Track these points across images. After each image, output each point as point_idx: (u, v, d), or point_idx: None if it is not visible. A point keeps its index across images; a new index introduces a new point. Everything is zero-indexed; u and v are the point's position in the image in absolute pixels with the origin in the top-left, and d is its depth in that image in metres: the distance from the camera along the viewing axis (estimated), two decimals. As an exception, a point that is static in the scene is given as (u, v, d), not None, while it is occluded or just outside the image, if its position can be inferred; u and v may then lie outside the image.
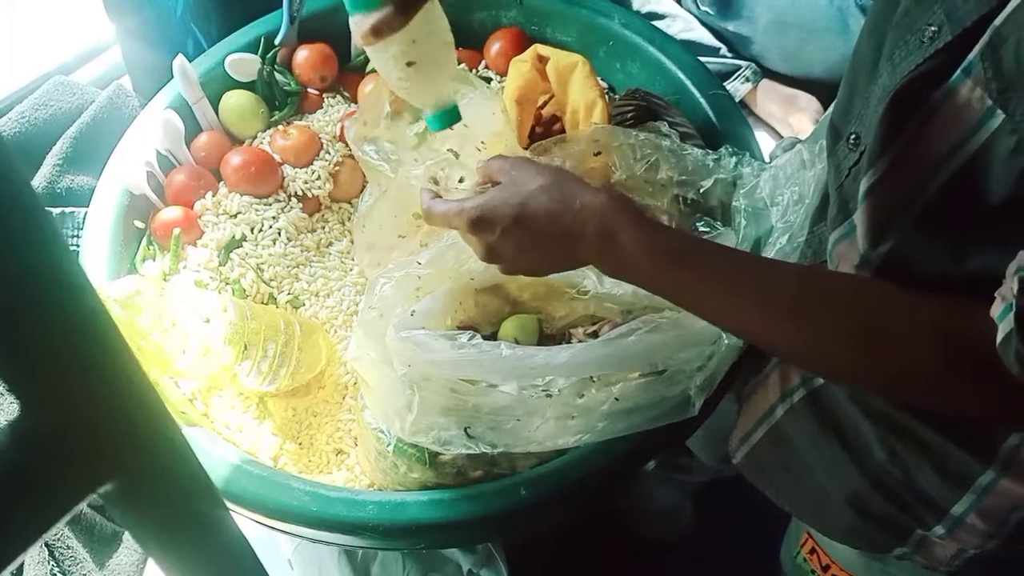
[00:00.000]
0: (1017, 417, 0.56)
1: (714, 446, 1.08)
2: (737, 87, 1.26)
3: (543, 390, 0.73)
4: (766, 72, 1.29)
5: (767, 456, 0.80)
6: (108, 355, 0.30)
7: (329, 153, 1.08)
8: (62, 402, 0.29)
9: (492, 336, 0.88)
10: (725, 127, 1.00)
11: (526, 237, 0.69)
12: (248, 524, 0.80)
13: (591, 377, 0.74)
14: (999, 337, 0.50)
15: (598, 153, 0.92)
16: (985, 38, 0.53)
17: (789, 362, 0.76)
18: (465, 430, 0.73)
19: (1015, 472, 0.64)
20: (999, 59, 0.52)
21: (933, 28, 0.57)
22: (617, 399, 0.72)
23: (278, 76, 1.12)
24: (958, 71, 0.55)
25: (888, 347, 0.58)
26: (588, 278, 0.87)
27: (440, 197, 0.75)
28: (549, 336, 0.91)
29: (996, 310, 0.51)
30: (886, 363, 0.58)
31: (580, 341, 0.89)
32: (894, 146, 0.60)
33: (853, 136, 0.66)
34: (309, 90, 1.14)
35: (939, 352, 0.55)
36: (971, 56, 0.54)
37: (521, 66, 1.04)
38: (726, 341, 0.75)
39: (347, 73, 1.17)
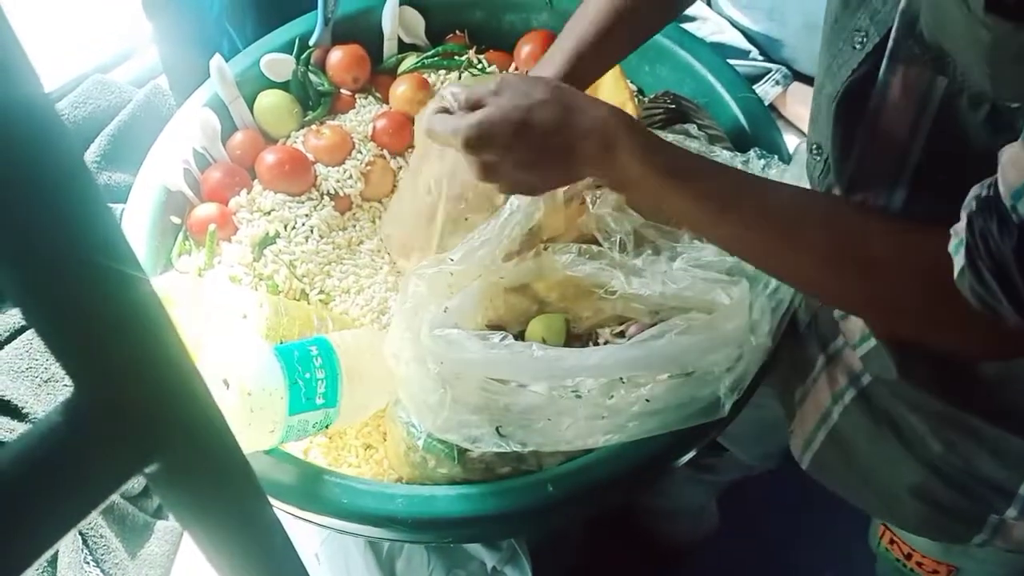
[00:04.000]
0: (1012, 347, 0.56)
1: (755, 443, 1.09)
2: (767, 90, 1.27)
3: (573, 390, 0.74)
4: (796, 75, 1.29)
5: (831, 458, 0.81)
6: (157, 338, 0.31)
7: (361, 153, 1.09)
8: (113, 382, 0.31)
9: (520, 335, 0.89)
10: (754, 130, 1.01)
11: (526, 153, 0.67)
12: (281, 517, 0.82)
13: (620, 378, 0.75)
14: (955, 271, 0.51)
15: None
16: (896, 22, 0.54)
17: (789, 284, 0.75)
18: (496, 428, 0.74)
19: None
20: (919, 33, 0.53)
21: (862, 33, 0.59)
22: (648, 400, 0.73)
23: (312, 77, 1.14)
24: (884, 61, 0.57)
25: (875, 276, 0.59)
26: (616, 278, 0.88)
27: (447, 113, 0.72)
28: (576, 336, 0.92)
29: (951, 244, 0.52)
30: (875, 293, 0.60)
31: (607, 341, 0.90)
32: (854, 150, 0.61)
33: (816, 146, 0.67)
34: (342, 91, 1.15)
35: (922, 285, 0.56)
36: (890, 44, 0.55)
37: (552, 68, 1.05)
38: (755, 342, 0.76)
39: (379, 74, 1.18)
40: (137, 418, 0.32)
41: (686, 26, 1.23)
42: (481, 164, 0.69)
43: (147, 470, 0.33)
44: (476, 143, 0.67)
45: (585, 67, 0.82)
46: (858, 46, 0.59)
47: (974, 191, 0.51)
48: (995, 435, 0.67)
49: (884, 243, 0.58)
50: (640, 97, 1.12)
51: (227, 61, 1.10)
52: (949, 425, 0.70)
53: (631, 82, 1.11)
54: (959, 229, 0.51)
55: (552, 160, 0.68)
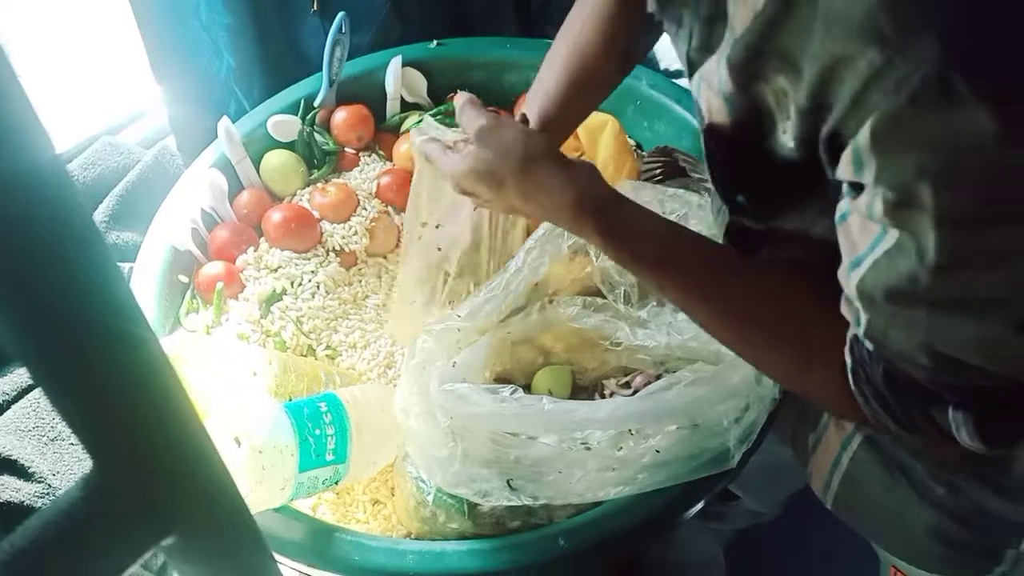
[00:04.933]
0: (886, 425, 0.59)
1: (765, 489, 1.10)
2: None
3: (583, 443, 0.75)
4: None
5: (849, 500, 0.82)
6: (174, 413, 0.31)
7: (366, 209, 1.11)
8: (131, 458, 0.31)
9: (526, 387, 0.90)
10: (752, 183, 1.03)
11: (507, 207, 0.74)
12: (289, 573, 0.82)
13: (629, 430, 0.75)
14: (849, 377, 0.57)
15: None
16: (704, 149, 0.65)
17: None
18: (508, 482, 0.74)
19: None
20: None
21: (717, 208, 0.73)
22: (657, 451, 0.74)
23: (317, 136, 1.16)
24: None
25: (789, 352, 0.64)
26: (621, 330, 0.89)
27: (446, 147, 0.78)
28: (582, 387, 0.93)
29: (846, 354, 0.57)
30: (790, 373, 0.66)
31: (613, 393, 0.90)
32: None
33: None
34: (346, 149, 1.18)
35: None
36: None
37: (553, 126, 1.07)
38: (761, 393, 0.77)
39: (383, 133, 1.21)
40: (155, 493, 0.32)
41: (683, 82, 1.26)
42: (473, 201, 0.79)
43: (164, 543, 0.33)
44: (463, 190, 0.75)
45: (554, 126, 0.86)
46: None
47: (843, 312, 0.56)
48: (993, 474, 0.68)
49: (802, 326, 0.63)
50: (639, 152, 1.14)
51: (234, 122, 1.12)
52: (949, 470, 0.71)
53: (630, 137, 1.13)
54: (846, 350, 0.57)
55: (532, 215, 0.76)
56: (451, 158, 0.75)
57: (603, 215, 0.68)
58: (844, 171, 0.50)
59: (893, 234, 0.49)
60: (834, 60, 0.48)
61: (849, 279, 0.53)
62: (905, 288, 0.48)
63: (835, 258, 0.58)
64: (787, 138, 0.56)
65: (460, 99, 0.78)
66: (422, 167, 0.90)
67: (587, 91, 0.87)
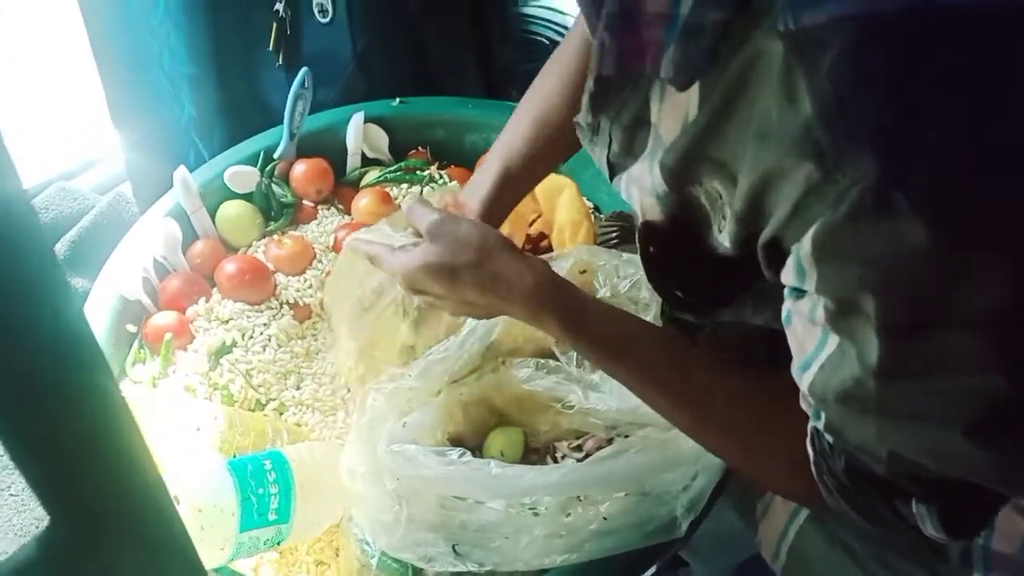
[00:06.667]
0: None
1: (715, 555, 1.09)
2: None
3: (531, 508, 0.74)
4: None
5: (798, 572, 0.82)
6: (135, 467, 0.31)
7: (322, 262, 1.11)
8: (89, 516, 0.30)
9: (479, 447, 0.89)
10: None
11: (461, 302, 0.73)
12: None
13: (578, 496, 0.75)
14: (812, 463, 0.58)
15: (583, 271, 0.95)
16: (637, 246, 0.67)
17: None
18: (453, 547, 0.73)
19: (998, 567, 0.66)
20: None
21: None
22: (605, 518, 0.73)
23: (275, 188, 1.16)
24: None
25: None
26: (573, 392, 0.89)
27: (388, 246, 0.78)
28: (534, 449, 0.92)
29: (809, 452, 0.58)
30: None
31: (565, 456, 0.90)
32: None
33: None
34: (304, 202, 1.18)
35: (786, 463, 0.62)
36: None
37: (511, 187, 1.08)
38: (710, 461, 0.77)
39: (342, 187, 1.21)
40: (112, 548, 0.31)
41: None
42: (423, 300, 0.75)
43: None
44: (414, 288, 0.74)
45: (515, 181, 0.87)
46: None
47: (802, 406, 0.56)
48: (932, 560, 0.69)
49: (758, 418, 0.64)
50: (596, 215, 1.16)
51: (192, 171, 1.12)
52: (889, 548, 0.72)
53: (588, 200, 1.15)
54: (808, 443, 0.57)
55: (487, 310, 0.74)
56: (400, 256, 0.74)
57: (561, 301, 0.69)
58: (787, 277, 0.51)
59: (834, 339, 0.49)
60: (769, 172, 0.48)
61: (801, 380, 0.54)
62: (852, 392, 0.49)
63: (774, 341, 0.58)
64: (723, 237, 0.57)
65: (407, 202, 0.77)
66: (341, 267, 0.88)
67: (551, 148, 0.88)
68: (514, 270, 0.70)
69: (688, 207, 0.59)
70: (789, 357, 0.57)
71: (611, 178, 0.69)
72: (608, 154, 0.67)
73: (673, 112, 0.57)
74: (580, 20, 0.86)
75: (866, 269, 0.45)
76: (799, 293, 0.51)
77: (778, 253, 0.51)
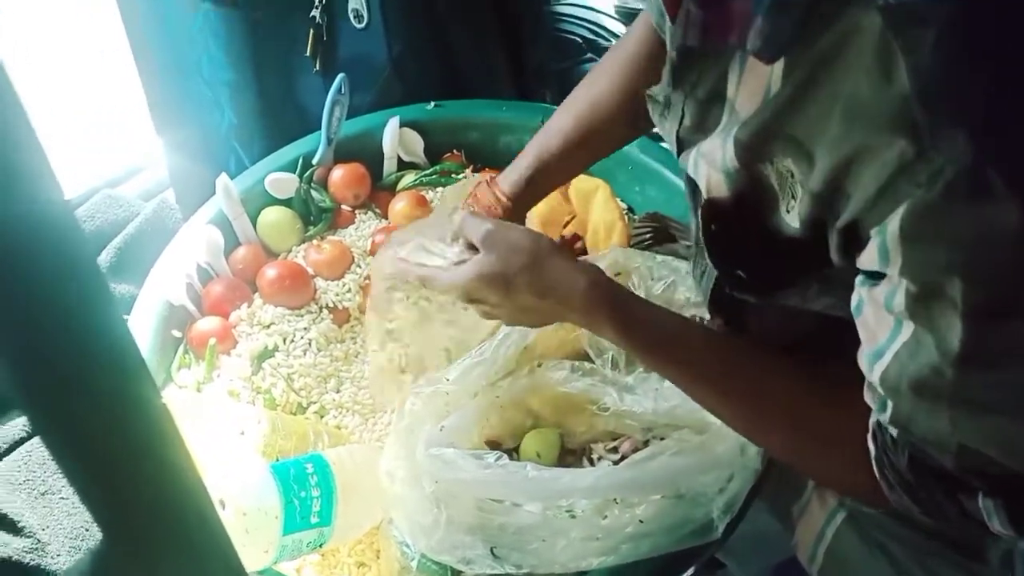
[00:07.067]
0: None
1: (751, 557, 1.09)
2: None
3: (567, 510, 0.75)
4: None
5: (835, 574, 0.81)
6: (179, 479, 0.32)
7: (360, 267, 1.13)
8: (136, 526, 0.31)
9: (515, 449, 0.90)
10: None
11: (516, 308, 0.74)
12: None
13: (614, 499, 0.75)
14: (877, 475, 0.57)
15: (619, 274, 0.96)
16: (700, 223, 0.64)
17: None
18: (491, 550, 0.74)
19: None
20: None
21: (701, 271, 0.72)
22: (641, 521, 0.74)
23: (314, 194, 1.18)
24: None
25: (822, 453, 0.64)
26: (608, 395, 0.89)
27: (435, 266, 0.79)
28: (570, 451, 0.93)
29: (870, 448, 0.57)
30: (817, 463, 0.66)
31: (601, 457, 0.91)
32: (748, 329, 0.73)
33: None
34: (343, 207, 1.20)
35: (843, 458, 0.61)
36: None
37: (546, 190, 1.09)
38: (745, 463, 0.77)
39: (379, 191, 1.23)
40: (159, 559, 0.32)
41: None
42: (481, 311, 0.77)
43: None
44: (471, 299, 0.75)
45: (546, 176, 0.89)
46: (704, 280, 0.70)
47: (866, 399, 0.55)
48: (969, 561, 0.68)
49: (818, 415, 0.64)
50: (630, 215, 1.16)
51: (233, 178, 1.14)
52: (927, 553, 0.71)
53: (621, 201, 1.15)
54: (869, 438, 0.57)
55: (542, 316, 0.75)
56: (453, 271, 0.75)
57: (615, 304, 0.70)
58: (867, 261, 0.50)
59: (909, 327, 0.48)
60: (855, 151, 0.48)
61: (872, 370, 0.53)
62: (928, 381, 0.48)
63: (823, 331, 0.58)
64: (791, 217, 0.56)
65: (459, 215, 0.78)
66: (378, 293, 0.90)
67: (588, 143, 0.89)
68: (567, 274, 0.71)
69: (756, 186, 0.59)
70: (838, 351, 0.56)
71: (679, 154, 0.69)
72: (679, 129, 0.67)
73: (752, 87, 0.56)
74: (635, 25, 0.87)
75: (955, 252, 0.44)
76: (874, 280, 0.50)
77: (855, 237, 0.50)
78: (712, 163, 0.62)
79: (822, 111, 0.50)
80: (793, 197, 0.55)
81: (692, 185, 0.70)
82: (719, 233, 0.66)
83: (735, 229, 0.64)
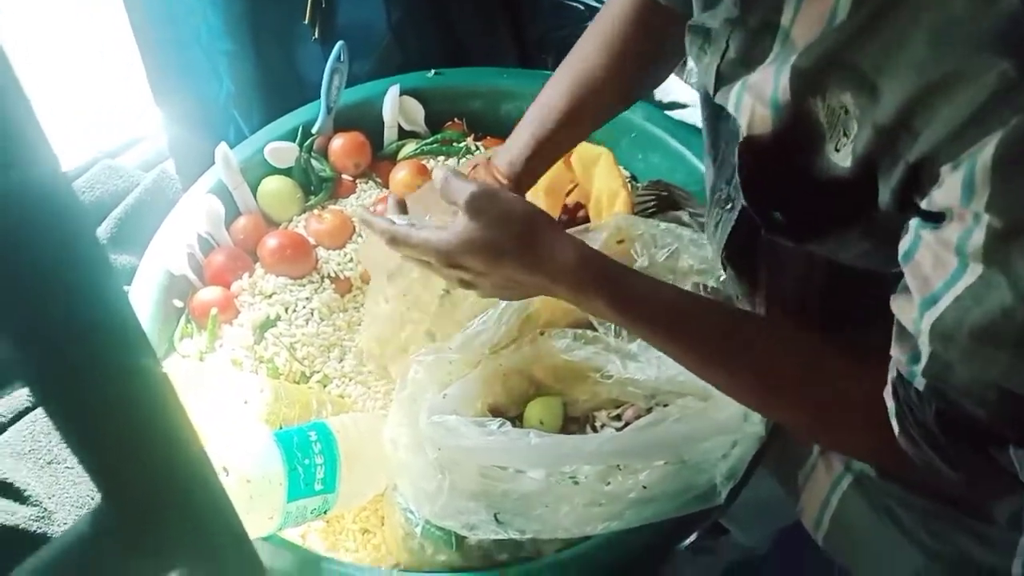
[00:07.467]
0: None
1: (754, 524, 1.10)
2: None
3: (570, 477, 0.75)
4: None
5: (840, 539, 0.82)
6: (180, 444, 0.32)
7: (361, 236, 1.12)
8: (139, 490, 0.31)
9: (518, 417, 0.91)
10: (744, 217, 1.04)
11: (500, 280, 0.70)
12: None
13: (617, 465, 0.76)
14: (896, 432, 0.56)
15: (621, 241, 0.95)
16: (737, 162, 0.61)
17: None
18: (495, 516, 0.74)
19: None
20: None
21: (727, 197, 0.67)
22: (644, 487, 0.74)
23: (314, 163, 1.17)
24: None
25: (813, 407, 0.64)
26: (611, 362, 0.89)
27: (411, 225, 0.73)
28: (573, 419, 0.93)
29: (888, 405, 0.56)
30: (813, 421, 0.66)
31: (604, 425, 0.91)
32: (759, 288, 0.70)
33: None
34: (343, 176, 1.19)
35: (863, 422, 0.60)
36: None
37: (548, 157, 1.08)
38: (748, 429, 0.77)
39: (379, 161, 1.22)
40: (162, 525, 0.32)
41: (677, 113, 1.27)
42: (458, 280, 0.72)
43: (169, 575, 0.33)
44: (452, 265, 0.70)
45: (547, 143, 0.85)
46: (728, 209, 0.65)
47: (893, 353, 0.53)
48: (977, 524, 0.68)
49: (825, 378, 0.62)
50: (633, 183, 1.15)
51: (233, 147, 1.13)
52: (934, 517, 0.71)
53: (624, 169, 1.14)
54: (888, 394, 0.55)
55: (527, 288, 0.71)
56: (435, 233, 0.69)
57: (608, 279, 0.67)
58: (941, 198, 0.47)
59: (976, 269, 0.46)
60: (943, 75, 0.45)
61: (922, 317, 0.50)
62: (995, 326, 0.46)
63: (832, 289, 0.56)
64: (840, 156, 0.54)
65: (439, 172, 0.72)
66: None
67: (586, 111, 0.86)
68: (559, 248, 0.67)
69: (802, 122, 0.56)
70: (847, 311, 0.55)
71: (715, 91, 0.65)
72: (720, 63, 0.64)
73: (812, 14, 0.54)
74: None
75: None
76: (935, 222, 0.48)
77: (922, 175, 0.48)
78: (760, 96, 0.59)
79: (895, 39, 0.47)
80: (845, 135, 0.53)
81: (713, 128, 0.67)
82: (754, 171, 0.62)
83: (774, 168, 0.60)
